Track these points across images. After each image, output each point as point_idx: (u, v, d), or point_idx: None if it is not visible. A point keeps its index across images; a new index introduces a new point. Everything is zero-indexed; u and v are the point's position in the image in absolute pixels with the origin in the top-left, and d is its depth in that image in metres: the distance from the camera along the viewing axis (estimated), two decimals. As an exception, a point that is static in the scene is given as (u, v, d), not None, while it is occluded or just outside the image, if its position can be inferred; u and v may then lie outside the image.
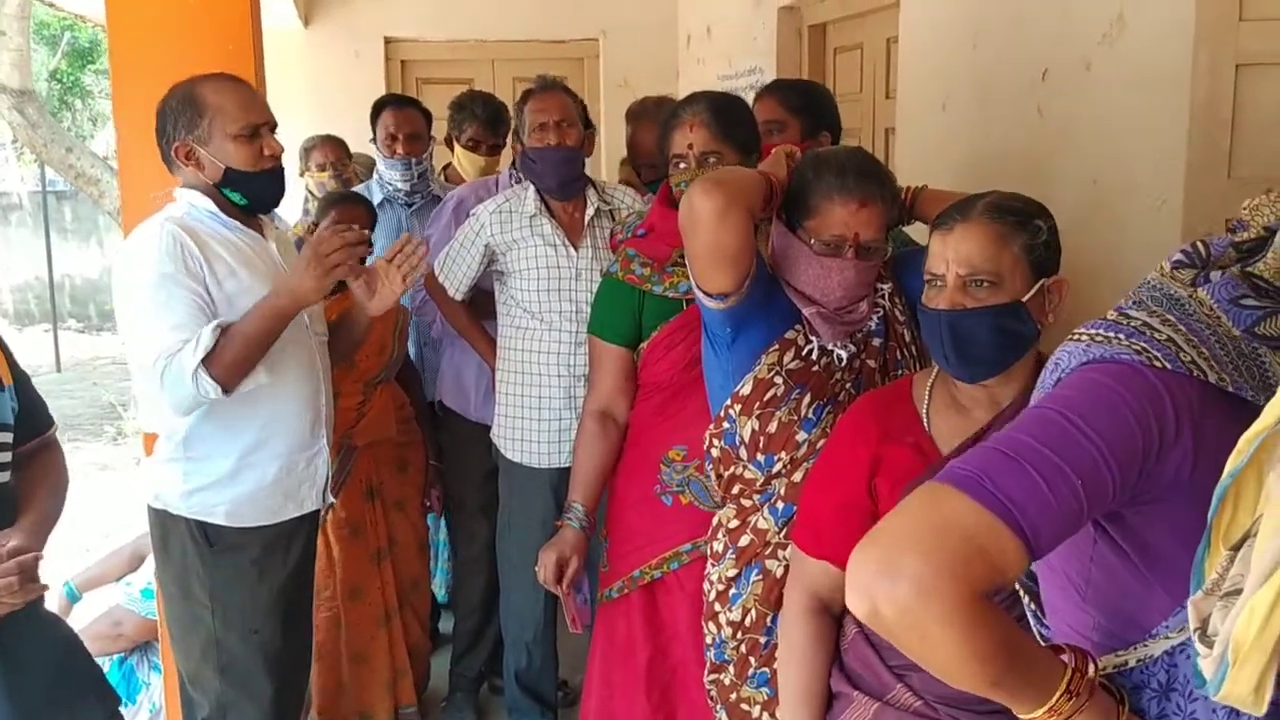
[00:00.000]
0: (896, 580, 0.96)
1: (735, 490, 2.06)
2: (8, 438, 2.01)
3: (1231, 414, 1.03)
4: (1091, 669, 1.07)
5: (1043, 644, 1.24)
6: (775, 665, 1.98)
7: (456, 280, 2.96)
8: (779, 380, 1.97)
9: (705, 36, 5.52)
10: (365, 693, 3.17)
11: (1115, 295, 2.60)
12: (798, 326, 1.99)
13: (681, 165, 2.31)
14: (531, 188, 2.90)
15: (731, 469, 2.05)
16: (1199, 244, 1.14)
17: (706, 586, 2.11)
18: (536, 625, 3.04)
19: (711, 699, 2.13)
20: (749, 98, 4.85)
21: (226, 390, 2.18)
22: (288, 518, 2.43)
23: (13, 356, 2.11)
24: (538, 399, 2.88)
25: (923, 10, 3.59)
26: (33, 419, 2.11)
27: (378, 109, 3.63)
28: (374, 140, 3.61)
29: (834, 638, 1.73)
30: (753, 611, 2.01)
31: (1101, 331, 1.10)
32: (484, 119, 3.78)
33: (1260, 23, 2.15)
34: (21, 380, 2.10)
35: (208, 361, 2.14)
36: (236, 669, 2.39)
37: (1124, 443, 1.01)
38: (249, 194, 2.33)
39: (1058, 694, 1.04)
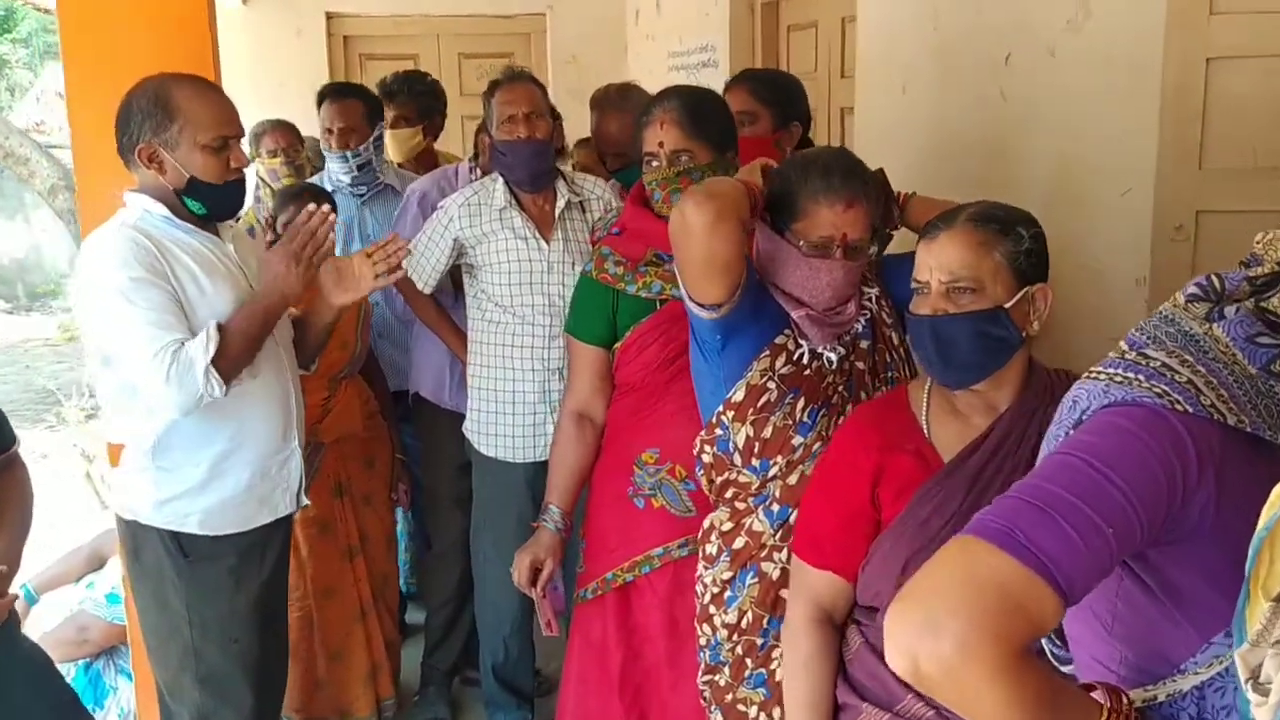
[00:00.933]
0: (939, 639, 0.96)
1: (729, 494, 2.06)
2: (-29, 458, 1.96)
3: (1252, 454, 1.05)
4: (1126, 704, 1.08)
5: (1058, 667, 1.26)
6: (772, 666, 2.00)
7: (424, 273, 2.92)
8: (772, 385, 1.97)
9: (655, 13, 5.47)
10: (344, 690, 3.15)
11: (1080, 276, 2.64)
12: (787, 331, 1.98)
13: (654, 163, 2.29)
14: (500, 180, 2.86)
15: (725, 475, 2.05)
16: (1214, 277, 1.15)
17: (700, 589, 2.11)
18: (513, 619, 3.04)
19: (705, 700, 2.14)
20: (702, 76, 4.85)
21: (226, 390, 2.16)
22: (262, 524, 2.39)
23: None
24: (511, 393, 2.86)
25: (881, -9, 3.59)
26: None
27: (319, 101, 3.56)
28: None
29: (838, 648, 1.74)
30: (749, 614, 2.01)
31: (1121, 372, 1.11)
32: (380, 93, 3.75)
33: (1229, 16, 2.18)
34: None
35: (214, 359, 2.13)
36: (216, 679, 2.36)
37: (1150, 489, 1.02)
38: (210, 204, 2.27)
39: None
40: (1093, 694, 1.08)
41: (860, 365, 2.03)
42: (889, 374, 2.05)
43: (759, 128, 2.53)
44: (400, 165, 3.83)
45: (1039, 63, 2.87)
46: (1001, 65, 3.02)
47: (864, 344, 2.04)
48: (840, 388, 2.00)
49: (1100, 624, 1.15)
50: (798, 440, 1.97)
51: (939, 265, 1.62)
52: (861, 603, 1.74)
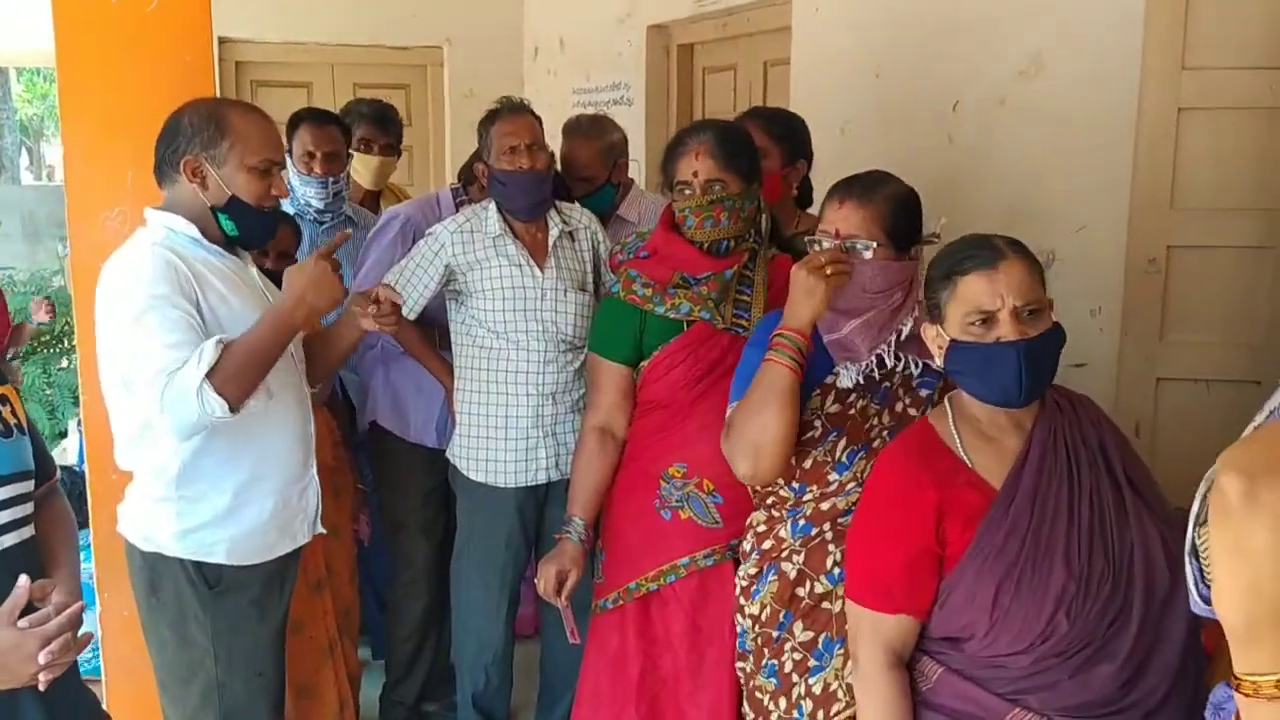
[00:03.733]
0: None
1: (769, 501, 2.17)
2: (29, 486, 1.85)
3: None
4: None
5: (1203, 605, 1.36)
6: (783, 659, 2.12)
7: (411, 300, 2.90)
8: (817, 423, 2.08)
9: (557, 49, 5.56)
10: (314, 727, 3.05)
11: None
12: (836, 370, 2.09)
13: (686, 191, 2.40)
14: (493, 207, 2.88)
15: (769, 486, 2.16)
16: None
17: (738, 584, 2.24)
18: (496, 646, 3.02)
19: (742, 685, 2.28)
20: (613, 113, 4.96)
21: (233, 408, 2.03)
22: (283, 553, 2.34)
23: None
24: (504, 419, 2.87)
25: (818, 38, 3.80)
26: (43, 463, 1.95)
27: (294, 124, 3.49)
28: (289, 154, 3.47)
29: (909, 685, 1.80)
30: (768, 608, 2.14)
31: None
32: (372, 117, 3.75)
33: (1200, 71, 2.46)
34: (30, 422, 1.94)
35: (211, 376, 2.00)
36: (239, 713, 2.29)
37: None
38: (243, 227, 2.23)
39: None
40: None
41: (913, 412, 2.08)
42: None
43: (769, 163, 2.65)
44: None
45: (989, 110, 3.12)
46: (949, 112, 3.26)
47: (924, 392, 2.10)
48: (885, 432, 2.09)
49: None
50: (833, 477, 2.08)
51: (1012, 291, 1.69)
52: (940, 635, 1.78)
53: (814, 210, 2.97)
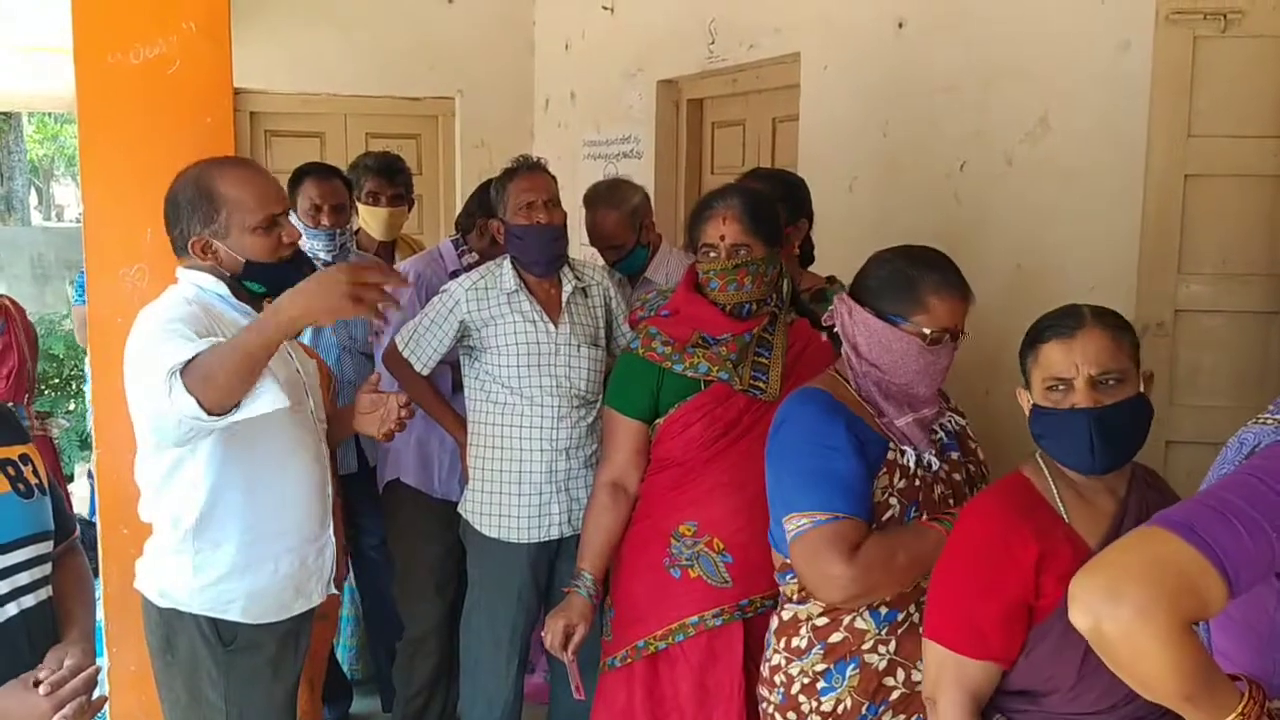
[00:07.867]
0: (1120, 604, 1.16)
1: None
2: (49, 547, 1.87)
3: None
4: (1263, 697, 1.26)
5: None
6: None
7: (425, 356, 2.94)
8: (894, 502, 2.05)
9: (568, 101, 5.63)
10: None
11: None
12: (893, 446, 2.07)
13: (711, 254, 2.43)
14: (507, 264, 2.92)
15: None
16: None
17: (781, 679, 2.13)
18: (505, 703, 3.01)
19: None
20: (623, 165, 5.01)
21: (208, 409, 1.85)
22: (298, 613, 2.35)
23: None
24: (518, 474, 2.89)
25: (825, 96, 3.85)
26: (63, 521, 1.97)
27: (298, 178, 3.55)
28: (293, 209, 3.52)
29: None
30: (847, 701, 2.06)
31: None
32: (377, 169, 3.80)
33: (1205, 139, 2.50)
34: (52, 481, 1.96)
35: (184, 373, 1.85)
36: (249, 774, 2.28)
37: None
38: (268, 283, 2.25)
39: (1233, 715, 1.24)
40: (1238, 684, 1.27)
41: (956, 476, 2.14)
42: (980, 485, 2.17)
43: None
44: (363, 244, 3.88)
45: (995, 170, 3.16)
46: (956, 171, 3.30)
47: (954, 455, 2.15)
48: (950, 499, 2.11)
49: (1257, 637, 1.34)
50: None
51: (1086, 359, 1.71)
52: (1021, 687, 1.76)
53: (815, 269, 3.02)
